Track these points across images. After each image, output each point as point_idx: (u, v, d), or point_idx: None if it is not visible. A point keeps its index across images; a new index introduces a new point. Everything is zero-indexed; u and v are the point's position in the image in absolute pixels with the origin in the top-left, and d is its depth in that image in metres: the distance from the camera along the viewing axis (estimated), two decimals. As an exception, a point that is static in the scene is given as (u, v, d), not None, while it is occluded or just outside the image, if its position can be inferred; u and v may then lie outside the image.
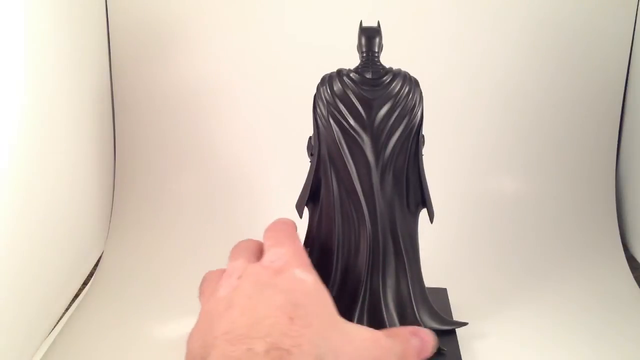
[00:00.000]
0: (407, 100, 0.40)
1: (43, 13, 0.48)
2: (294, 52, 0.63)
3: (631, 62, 0.63)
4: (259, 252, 0.35)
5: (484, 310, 0.49)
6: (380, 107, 0.39)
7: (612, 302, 0.52)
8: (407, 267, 0.41)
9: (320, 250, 0.42)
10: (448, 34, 0.63)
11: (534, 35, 0.62)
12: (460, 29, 0.63)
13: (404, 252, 0.41)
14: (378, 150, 0.39)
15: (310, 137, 0.42)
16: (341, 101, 0.39)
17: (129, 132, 0.65)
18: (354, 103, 0.39)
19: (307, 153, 0.42)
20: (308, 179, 0.42)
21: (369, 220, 0.39)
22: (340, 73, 0.40)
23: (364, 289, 0.40)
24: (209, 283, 0.34)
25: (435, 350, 0.33)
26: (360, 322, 0.40)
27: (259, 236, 0.37)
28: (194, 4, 0.63)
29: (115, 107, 0.65)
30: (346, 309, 0.40)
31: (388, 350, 0.30)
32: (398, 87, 0.40)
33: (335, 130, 0.39)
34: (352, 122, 0.39)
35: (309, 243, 0.43)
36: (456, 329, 0.44)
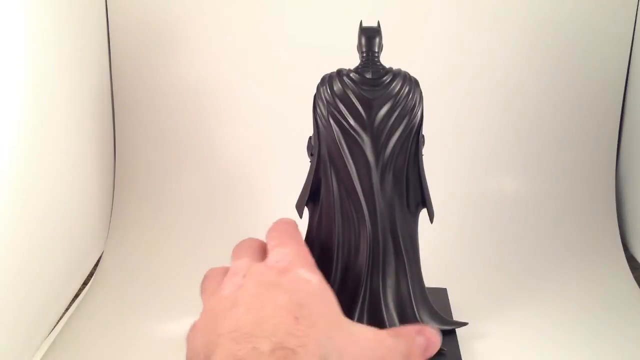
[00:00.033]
0: (407, 100, 0.40)
1: (43, 13, 0.48)
2: (294, 52, 0.63)
3: (631, 62, 0.63)
4: (262, 251, 0.35)
5: (484, 310, 0.49)
6: (380, 107, 0.39)
7: (612, 302, 0.52)
8: (407, 267, 0.41)
9: (320, 250, 0.42)
10: (448, 34, 0.63)
11: (534, 35, 0.62)
12: (460, 29, 0.63)
13: (404, 252, 0.41)
14: (378, 150, 0.39)
15: (310, 137, 0.42)
16: (341, 101, 0.39)
17: (129, 132, 0.65)
18: (354, 103, 0.39)
19: (307, 153, 0.42)
20: (308, 179, 0.42)
21: (369, 220, 0.39)
22: (340, 73, 0.40)
23: (364, 289, 0.40)
24: (211, 280, 0.34)
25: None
26: (360, 322, 0.40)
27: (258, 236, 0.37)
28: (194, 4, 0.63)
29: (115, 107, 0.65)
30: (346, 309, 0.39)
31: (392, 350, 0.30)
32: (398, 87, 0.40)
33: (335, 130, 0.39)
34: (352, 122, 0.39)
35: (309, 243, 0.43)
36: (456, 329, 0.44)
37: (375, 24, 0.40)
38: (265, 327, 0.26)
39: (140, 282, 0.55)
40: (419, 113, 0.40)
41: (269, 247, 0.34)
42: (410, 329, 0.32)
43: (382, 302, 0.41)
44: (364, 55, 0.40)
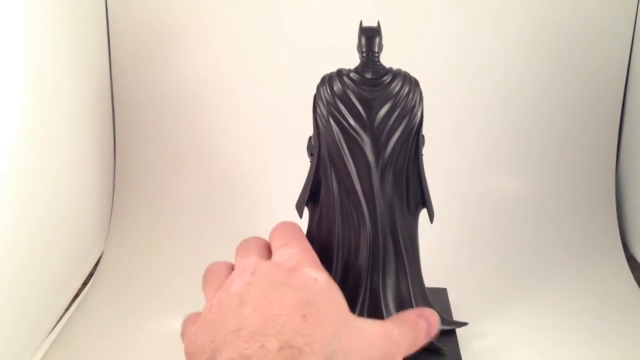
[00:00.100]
0: (407, 100, 0.40)
1: (43, 13, 0.48)
2: (294, 52, 0.63)
3: (631, 62, 0.63)
4: (267, 250, 0.35)
5: (484, 310, 0.49)
6: (380, 107, 0.39)
7: (612, 302, 0.51)
8: (407, 267, 0.41)
9: (320, 250, 0.42)
10: (448, 34, 0.63)
11: (534, 35, 0.62)
12: (460, 29, 0.63)
13: (404, 252, 0.41)
14: (378, 150, 0.39)
15: (310, 137, 0.42)
16: (341, 101, 0.39)
17: (129, 132, 0.65)
18: (354, 103, 0.39)
19: (307, 153, 0.42)
20: (308, 179, 0.42)
21: (369, 220, 0.39)
22: (340, 73, 0.40)
23: (364, 288, 0.40)
24: (214, 274, 0.34)
25: (438, 333, 0.33)
26: (360, 321, 0.40)
27: (258, 236, 0.37)
28: (194, 4, 0.63)
29: (115, 107, 0.65)
30: (346, 309, 0.40)
31: (399, 344, 0.31)
32: (398, 87, 0.40)
33: (335, 130, 0.39)
34: (352, 122, 0.39)
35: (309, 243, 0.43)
36: (456, 329, 0.45)
37: (375, 24, 0.40)
38: (273, 326, 0.27)
39: (140, 282, 0.55)
40: (419, 113, 0.40)
41: (273, 247, 0.35)
42: (412, 313, 0.33)
43: (382, 302, 0.41)
44: (364, 55, 0.40)
